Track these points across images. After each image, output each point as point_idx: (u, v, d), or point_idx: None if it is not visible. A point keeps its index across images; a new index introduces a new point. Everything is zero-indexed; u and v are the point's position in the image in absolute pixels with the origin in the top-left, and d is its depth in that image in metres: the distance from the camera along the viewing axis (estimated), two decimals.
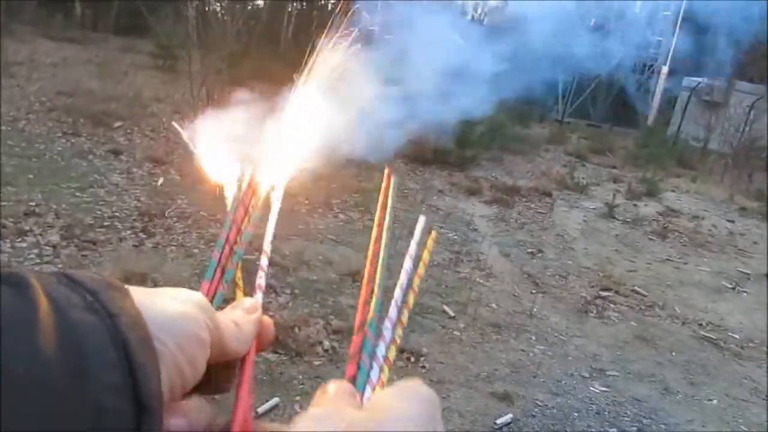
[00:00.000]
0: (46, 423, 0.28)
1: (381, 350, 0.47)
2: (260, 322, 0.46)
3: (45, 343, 0.28)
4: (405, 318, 0.49)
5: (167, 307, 0.38)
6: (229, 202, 0.53)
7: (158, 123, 7.59)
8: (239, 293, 0.49)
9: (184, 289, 0.42)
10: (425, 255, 0.53)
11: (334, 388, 0.41)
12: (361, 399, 0.44)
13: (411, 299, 0.50)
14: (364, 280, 0.50)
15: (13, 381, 0.27)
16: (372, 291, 0.49)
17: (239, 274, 0.51)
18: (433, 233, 0.53)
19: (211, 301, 0.47)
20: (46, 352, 0.28)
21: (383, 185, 0.55)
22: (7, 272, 0.31)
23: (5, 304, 0.29)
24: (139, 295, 0.36)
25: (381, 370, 0.46)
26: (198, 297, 0.42)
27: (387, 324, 0.48)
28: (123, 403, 0.31)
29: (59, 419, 0.28)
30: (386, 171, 0.56)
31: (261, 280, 0.50)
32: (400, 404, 0.37)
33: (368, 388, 0.45)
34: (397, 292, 0.49)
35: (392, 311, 0.48)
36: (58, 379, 0.28)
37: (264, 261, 0.52)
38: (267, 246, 0.53)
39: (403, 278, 0.50)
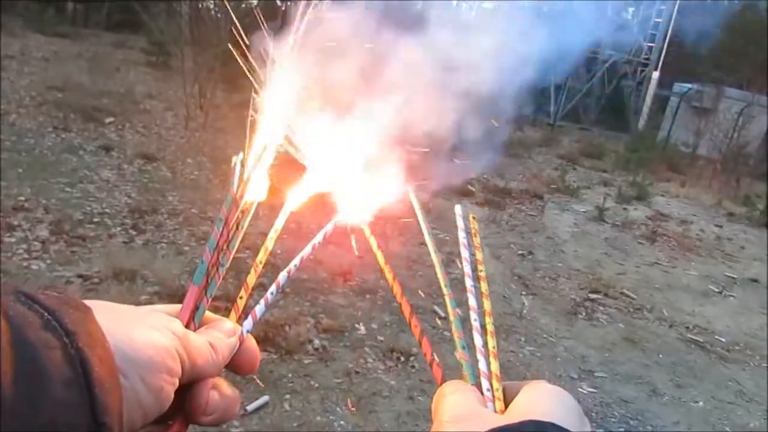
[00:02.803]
0: None
1: (478, 341, 0.48)
2: (235, 347, 0.46)
3: None
4: (488, 306, 0.49)
5: (135, 337, 0.37)
6: (229, 196, 0.53)
7: (150, 119, 7.54)
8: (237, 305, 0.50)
9: (159, 313, 0.42)
10: (476, 240, 0.54)
11: (452, 389, 0.43)
12: (481, 392, 0.45)
13: (483, 286, 0.51)
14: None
15: None
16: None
17: (243, 294, 0.51)
18: (472, 217, 0.54)
19: (194, 312, 0.47)
20: None
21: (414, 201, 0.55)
22: None
23: None
24: (108, 319, 0.36)
25: (488, 361, 0.47)
26: (173, 324, 0.41)
27: (473, 315, 0.50)
28: (79, 419, 0.31)
29: None
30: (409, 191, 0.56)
31: (259, 308, 0.51)
32: (549, 407, 0.38)
33: (484, 380, 0.46)
34: (468, 282, 0.50)
35: (471, 300, 0.49)
36: (10, 398, 0.28)
37: (271, 293, 0.53)
38: (282, 277, 0.54)
39: (467, 268, 0.51)
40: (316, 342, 3.60)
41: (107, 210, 4.83)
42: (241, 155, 0.53)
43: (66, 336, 0.32)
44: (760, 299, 5.98)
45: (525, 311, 4.69)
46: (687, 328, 5.05)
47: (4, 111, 6.48)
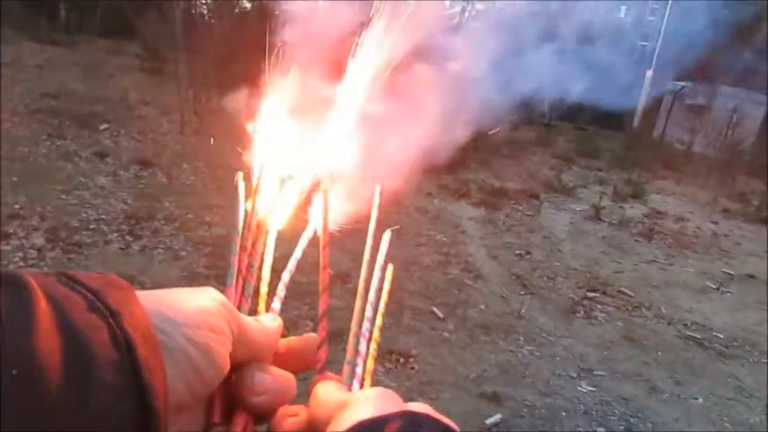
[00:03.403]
0: (47, 424, 0.27)
1: (362, 347, 0.49)
2: (280, 331, 0.47)
3: (43, 345, 0.27)
4: (376, 334, 0.51)
5: (175, 299, 0.37)
6: (241, 202, 0.54)
7: (145, 125, 7.53)
8: (261, 303, 0.51)
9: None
10: (387, 285, 0.54)
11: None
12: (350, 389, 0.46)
13: (378, 322, 0.52)
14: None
15: (8, 386, 0.26)
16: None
17: (265, 288, 0.52)
18: (391, 268, 0.55)
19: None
20: (43, 353, 0.27)
21: (375, 202, 0.56)
22: (3, 273, 0.30)
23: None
24: (144, 293, 0.35)
25: (364, 365, 0.48)
26: (213, 291, 0.40)
27: (366, 324, 0.51)
28: (128, 404, 0.30)
29: (62, 423, 0.27)
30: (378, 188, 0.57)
31: (275, 304, 0.52)
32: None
33: (356, 383, 0.47)
34: (371, 297, 0.52)
35: (368, 311, 0.51)
36: (58, 383, 0.27)
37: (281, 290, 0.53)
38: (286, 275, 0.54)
39: (374, 284, 0.53)
40: None
41: (103, 216, 4.81)
42: (241, 173, 0.54)
43: (111, 317, 0.31)
44: (757, 295, 5.99)
45: (523, 311, 4.69)
46: (685, 325, 5.06)
47: None
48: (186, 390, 0.34)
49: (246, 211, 0.53)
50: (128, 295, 0.33)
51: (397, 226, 0.54)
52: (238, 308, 0.46)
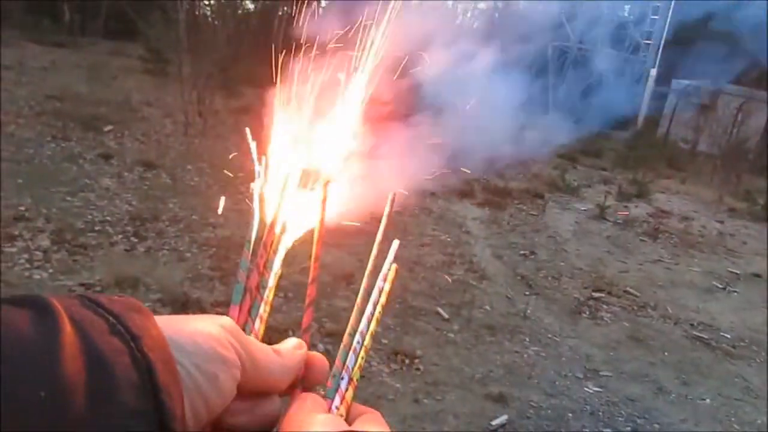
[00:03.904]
0: None
1: (350, 360, 0.48)
2: (305, 360, 0.46)
3: (68, 368, 0.28)
4: (369, 342, 0.50)
5: (184, 326, 0.37)
6: (256, 213, 0.52)
7: (149, 127, 7.54)
8: (261, 327, 0.49)
9: (208, 315, 0.42)
10: (386, 286, 0.53)
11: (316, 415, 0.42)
12: (329, 408, 0.45)
13: (373, 326, 0.51)
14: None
15: (33, 406, 0.27)
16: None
17: (267, 309, 0.50)
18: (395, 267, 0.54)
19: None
20: (69, 377, 0.28)
21: (387, 209, 0.54)
22: (29, 297, 0.31)
23: (27, 329, 0.29)
24: (160, 318, 0.36)
25: (349, 382, 0.47)
26: (223, 319, 0.41)
27: (357, 337, 0.49)
28: (147, 426, 0.31)
29: None
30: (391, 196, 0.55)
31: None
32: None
33: (338, 398, 0.46)
34: (368, 309, 0.51)
35: (363, 324, 0.50)
36: (82, 405, 0.28)
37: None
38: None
39: (374, 296, 0.52)
40: (320, 346, 3.59)
41: (108, 218, 4.82)
42: (257, 182, 0.52)
43: (132, 341, 0.32)
44: (764, 294, 5.96)
45: (529, 311, 4.68)
46: (692, 325, 5.04)
47: (3, 121, 6.48)
48: (191, 416, 0.35)
49: (262, 223, 0.51)
50: (148, 319, 0.35)
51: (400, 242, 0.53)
52: (243, 328, 0.46)
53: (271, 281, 0.51)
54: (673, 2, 15.07)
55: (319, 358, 0.47)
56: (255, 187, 0.52)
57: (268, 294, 0.50)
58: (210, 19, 9.79)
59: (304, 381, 0.46)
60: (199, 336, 0.37)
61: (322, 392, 0.46)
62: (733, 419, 3.73)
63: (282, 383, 0.44)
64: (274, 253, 0.51)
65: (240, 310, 0.47)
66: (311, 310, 0.51)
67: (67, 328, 0.30)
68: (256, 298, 0.49)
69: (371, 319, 0.50)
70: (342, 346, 0.49)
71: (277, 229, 0.51)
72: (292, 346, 0.46)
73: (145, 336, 0.33)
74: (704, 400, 3.90)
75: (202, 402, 0.36)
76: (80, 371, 0.29)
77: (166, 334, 0.35)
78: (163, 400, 0.31)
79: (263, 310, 0.49)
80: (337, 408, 0.45)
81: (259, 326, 0.48)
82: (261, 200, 0.52)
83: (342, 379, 0.47)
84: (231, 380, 0.38)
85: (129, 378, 0.30)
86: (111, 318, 0.33)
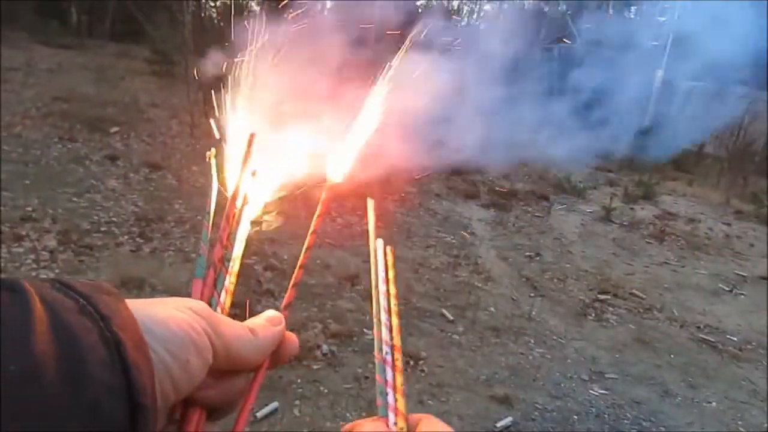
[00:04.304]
0: (44, 422, 0.28)
1: (389, 374, 0.48)
2: (280, 336, 0.46)
3: (40, 345, 0.29)
4: (397, 341, 0.50)
5: (158, 311, 0.38)
6: (213, 187, 0.52)
7: (155, 128, 7.57)
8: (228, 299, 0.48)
9: (181, 298, 0.42)
10: (391, 274, 0.53)
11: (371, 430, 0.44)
12: (387, 425, 0.45)
13: (394, 320, 0.50)
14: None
15: (7, 381, 0.27)
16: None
17: (233, 280, 0.49)
18: (390, 249, 0.53)
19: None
20: (40, 353, 0.29)
21: (370, 217, 0.54)
22: (3, 279, 0.32)
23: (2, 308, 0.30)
24: (133, 302, 0.37)
25: (395, 397, 0.47)
26: (195, 303, 0.41)
27: (385, 348, 0.49)
28: (118, 401, 0.31)
29: (56, 418, 0.29)
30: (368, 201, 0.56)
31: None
32: None
33: (390, 414, 0.46)
34: (382, 316, 0.50)
35: (384, 334, 0.49)
36: (53, 380, 0.29)
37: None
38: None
39: (383, 302, 0.51)
40: (325, 347, 3.59)
41: (114, 219, 4.84)
42: (214, 150, 0.52)
43: (101, 320, 0.33)
44: None
45: (534, 313, 4.66)
46: (698, 327, 5.01)
47: (10, 123, 6.53)
48: (160, 397, 0.36)
49: (223, 193, 0.50)
50: (119, 301, 0.36)
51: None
52: (209, 302, 0.46)
53: (236, 251, 0.50)
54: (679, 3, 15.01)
55: (289, 334, 0.47)
56: (212, 156, 0.52)
57: (233, 265, 0.49)
58: (215, 20, 9.83)
59: (274, 356, 0.46)
60: (171, 321, 0.38)
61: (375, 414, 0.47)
62: (739, 422, 3.71)
63: (254, 362, 0.44)
64: (237, 224, 0.51)
65: (204, 284, 0.47)
66: (294, 290, 0.51)
67: (38, 306, 0.31)
68: (221, 271, 0.48)
69: (390, 327, 0.50)
70: (377, 362, 0.49)
71: (239, 201, 0.51)
72: (268, 321, 0.46)
73: (115, 316, 0.34)
74: (710, 403, 3.88)
75: (171, 385, 0.37)
76: (51, 347, 0.30)
77: (138, 318, 0.36)
78: (132, 375, 0.32)
79: (228, 281, 0.48)
80: (395, 424, 0.46)
81: (225, 298, 0.47)
82: (220, 170, 0.51)
83: (387, 394, 0.47)
84: (202, 365, 0.39)
85: (98, 354, 0.31)
86: (81, 299, 0.34)
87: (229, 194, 0.51)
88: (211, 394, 0.42)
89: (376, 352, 0.49)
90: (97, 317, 0.33)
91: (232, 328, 0.42)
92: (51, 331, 0.30)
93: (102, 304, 0.34)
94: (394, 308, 0.51)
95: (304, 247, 0.51)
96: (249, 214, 0.52)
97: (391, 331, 0.50)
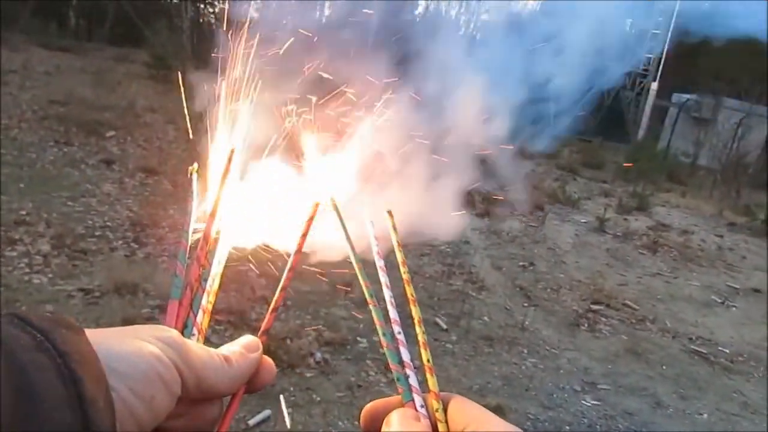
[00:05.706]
0: None
1: (405, 355, 0.46)
2: (256, 362, 0.44)
3: None
4: (416, 313, 0.49)
5: (123, 346, 0.37)
6: (194, 203, 0.50)
7: (151, 133, 7.57)
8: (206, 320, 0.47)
9: (152, 325, 0.41)
10: (396, 236, 0.52)
11: (397, 417, 0.42)
12: (415, 408, 0.44)
13: (409, 290, 0.50)
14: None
15: None
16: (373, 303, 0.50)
17: (211, 299, 0.48)
18: (389, 212, 0.53)
19: (182, 329, 0.44)
20: None
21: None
22: None
23: None
24: (94, 335, 0.36)
25: (425, 376, 0.46)
26: (165, 332, 0.40)
27: (396, 328, 0.48)
28: None
29: None
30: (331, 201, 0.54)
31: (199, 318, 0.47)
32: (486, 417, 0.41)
33: (416, 396, 0.44)
34: (386, 294, 0.49)
35: (392, 313, 0.48)
36: (9, 421, 0.28)
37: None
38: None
39: (384, 279, 0.50)
40: (318, 355, 3.58)
41: (109, 223, 4.83)
42: (196, 165, 0.51)
43: (59, 356, 0.32)
44: (762, 309, 5.95)
45: (527, 322, 4.67)
46: (690, 339, 5.03)
47: (6, 125, 6.52)
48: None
49: (203, 213, 0.49)
50: (78, 335, 0.35)
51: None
52: (184, 324, 0.45)
53: (215, 268, 0.49)
54: (675, 16, 15.15)
55: (266, 361, 0.46)
56: (193, 171, 0.51)
57: (212, 284, 0.48)
58: (213, 25, 9.86)
59: (249, 383, 0.44)
60: (135, 356, 0.37)
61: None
62: None
63: (227, 391, 0.43)
64: (216, 242, 0.49)
65: (180, 305, 0.45)
66: (273, 315, 0.50)
67: None
68: (198, 291, 0.47)
69: (394, 304, 0.48)
70: (386, 350, 0.47)
71: (217, 220, 0.50)
72: (244, 348, 0.44)
73: (74, 352, 0.33)
74: (702, 414, 3.89)
75: (134, 422, 0.36)
76: (5, 388, 0.29)
77: (99, 354, 0.35)
78: (89, 414, 0.31)
79: (206, 301, 0.47)
80: (423, 406, 0.44)
81: (202, 319, 0.46)
82: (201, 188, 0.50)
83: (408, 377, 0.45)
84: (168, 399, 0.38)
85: (54, 393, 0.31)
86: (39, 335, 0.33)
87: (208, 212, 0.50)
88: (182, 423, 0.40)
89: (381, 339, 0.47)
90: (55, 354, 0.32)
91: (204, 357, 0.41)
92: (5, 372, 0.30)
93: (60, 340, 0.33)
94: (405, 276, 0.49)
95: (287, 268, 0.50)
96: (228, 231, 0.51)
97: (396, 307, 0.49)
